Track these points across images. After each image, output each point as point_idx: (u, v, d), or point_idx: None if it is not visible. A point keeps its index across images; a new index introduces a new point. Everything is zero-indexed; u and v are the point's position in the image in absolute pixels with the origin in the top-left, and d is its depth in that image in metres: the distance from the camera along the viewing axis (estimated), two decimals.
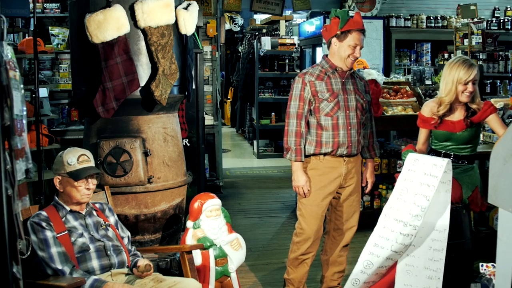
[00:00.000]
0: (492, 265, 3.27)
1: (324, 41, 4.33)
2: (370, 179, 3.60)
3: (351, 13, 3.42)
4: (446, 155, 3.36)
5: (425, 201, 2.88)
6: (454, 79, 3.24)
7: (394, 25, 8.22)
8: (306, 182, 3.32)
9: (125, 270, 2.83)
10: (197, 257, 3.27)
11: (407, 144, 3.48)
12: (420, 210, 2.89)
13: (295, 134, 3.31)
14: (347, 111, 3.31)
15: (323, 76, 3.34)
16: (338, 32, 3.29)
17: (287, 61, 9.58)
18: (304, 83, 3.32)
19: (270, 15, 10.14)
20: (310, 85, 3.31)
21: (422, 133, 3.48)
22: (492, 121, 3.32)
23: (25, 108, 1.66)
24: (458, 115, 3.32)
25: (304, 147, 3.35)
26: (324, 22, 7.41)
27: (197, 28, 4.20)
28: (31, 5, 5.10)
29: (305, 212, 3.42)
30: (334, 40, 3.34)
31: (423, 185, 2.92)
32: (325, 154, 3.34)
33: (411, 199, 2.95)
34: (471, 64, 3.24)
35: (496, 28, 8.28)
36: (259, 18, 11.96)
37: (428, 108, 3.40)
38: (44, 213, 2.71)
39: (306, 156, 3.37)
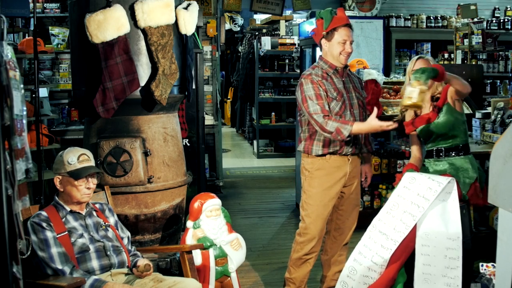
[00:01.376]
0: (492, 265, 3.27)
1: None
2: (369, 173, 3.61)
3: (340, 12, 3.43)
4: (438, 151, 3.39)
5: (411, 220, 2.97)
6: (406, 73, 3.46)
7: (394, 25, 8.22)
8: (377, 122, 3.08)
9: (125, 270, 2.83)
10: (197, 257, 3.27)
11: (409, 163, 3.52)
12: (404, 227, 2.98)
13: (328, 119, 3.19)
14: (351, 109, 3.33)
15: (326, 77, 3.34)
16: (324, 32, 3.31)
17: (287, 61, 9.58)
18: (314, 82, 3.29)
19: (270, 15, 10.14)
20: (320, 84, 3.29)
21: (413, 139, 3.54)
22: (449, 90, 3.34)
23: (25, 108, 1.66)
24: (427, 108, 3.40)
25: (312, 147, 3.34)
26: None
27: (197, 28, 4.20)
28: (31, 5, 5.10)
29: (311, 212, 3.41)
30: (323, 41, 3.37)
31: (413, 205, 3.01)
32: (331, 154, 3.34)
33: (399, 215, 3.04)
34: (419, 57, 3.41)
35: (496, 28, 8.27)
36: (259, 18, 11.96)
37: (408, 114, 3.53)
38: (44, 213, 2.71)
39: (313, 156, 3.37)
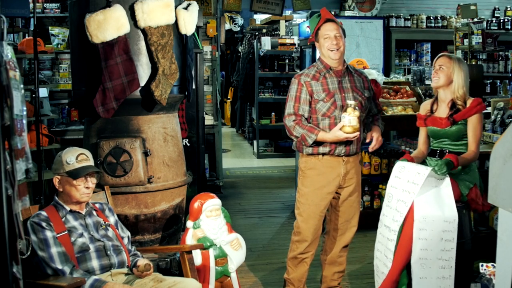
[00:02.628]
0: (492, 265, 3.27)
1: None
2: (376, 135, 3.34)
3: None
4: (441, 152, 3.41)
5: (404, 207, 3.05)
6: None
7: (394, 25, 8.22)
8: (341, 133, 3.13)
9: (125, 270, 2.83)
10: (197, 257, 3.27)
11: (405, 153, 3.58)
12: (399, 216, 3.06)
13: (296, 124, 3.28)
14: (349, 100, 3.29)
15: (319, 77, 3.34)
16: (311, 36, 3.36)
17: (287, 61, 9.58)
18: (300, 84, 3.33)
19: (270, 15, 10.13)
20: (306, 86, 3.31)
21: (421, 133, 3.59)
22: (470, 123, 3.32)
23: (25, 108, 1.66)
24: (444, 111, 3.42)
25: (303, 146, 3.34)
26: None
27: (197, 28, 4.20)
28: (31, 5, 5.10)
29: (303, 211, 3.42)
30: (316, 44, 3.41)
31: (404, 192, 3.09)
32: (323, 154, 3.33)
33: (394, 205, 3.13)
34: (444, 54, 3.46)
35: (496, 28, 8.28)
36: (259, 18, 11.96)
37: (423, 107, 3.58)
38: (44, 213, 2.70)
39: (305, 155, 3.38)
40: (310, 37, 3.44)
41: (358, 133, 3.15)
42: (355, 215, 3.53)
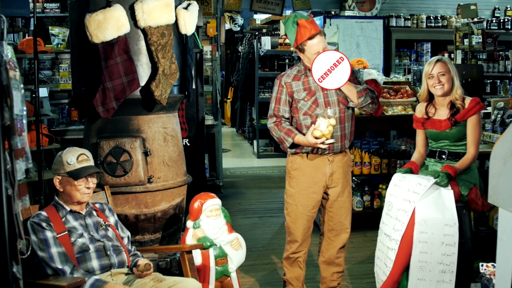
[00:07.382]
0: (492, 265, 3.27)
1: None
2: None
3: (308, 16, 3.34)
4: (441, 153, 3.41)
5: (405, 216, 3.05)
6: (423, 75, 3.45)
7: (394, 25, 8.23)
8: (312, 138, 3.14)
9: (125, 270, 2.83)
10: (197, 257, 3.27)
11: (408, 161, 3.56)
12: (400, 224, 3.06)
13: (275, 126, 3.35)
14: (328, 107, 3.29)
15: (300, 76, 3.36)
16: (292, 49, 3.34)
17: (287, 60, 9.57)
18: (281, 85, 3.37)
19: (270, 15, 10.14)
20: (287, 87, 3.34)
21: (419, 136, 3.57)
22: (469, 123, 3.33)
23: (25, 108, 1.66)
24: (443, 113, 3.41)
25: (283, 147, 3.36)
26: (324, 22, 7.41)
27: (197, 28, 4.20)
28: (31, 5, 5.10)
29: (290, 211, 3.44)
30: (299, 53, 3.36)
31: (405, 201, 3.10)
32: (308, 153, 3.33)
33: (394, 214, 3.13)
34: (437, 59, 3.39)
35: (496, 28, 8.28)
36: (259, 18, 11.97)
37: (419, 109, 3.57)
38: (44, 213, 2.70)
39: (291, 155, 3.41)
40: (292, 48, 3.38)
41: (325, 139, 3.12)
42: (348, 216, 3.50)
